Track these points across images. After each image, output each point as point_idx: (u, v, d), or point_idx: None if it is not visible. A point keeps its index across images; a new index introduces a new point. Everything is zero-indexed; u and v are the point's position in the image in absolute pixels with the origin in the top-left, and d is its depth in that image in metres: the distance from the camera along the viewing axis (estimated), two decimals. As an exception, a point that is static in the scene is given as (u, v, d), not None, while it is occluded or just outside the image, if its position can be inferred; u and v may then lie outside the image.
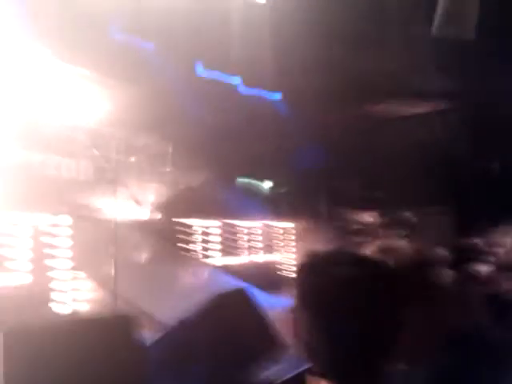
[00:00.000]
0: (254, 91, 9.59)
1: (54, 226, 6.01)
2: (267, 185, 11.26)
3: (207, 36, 7.66)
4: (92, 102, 7.42)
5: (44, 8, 6.18)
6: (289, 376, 3.56)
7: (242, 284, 6.50)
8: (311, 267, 1.03)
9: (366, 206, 9.15)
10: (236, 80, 9.91)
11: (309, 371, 1.01)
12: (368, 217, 9.02)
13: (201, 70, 8.88)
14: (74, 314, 5.86)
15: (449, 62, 8.82)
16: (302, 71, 9.02)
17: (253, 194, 9.99)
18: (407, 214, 8.36)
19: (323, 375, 0.99)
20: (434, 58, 8.73)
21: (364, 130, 10.04)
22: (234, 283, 6.86)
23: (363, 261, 1.02)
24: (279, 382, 3.43)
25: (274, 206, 10.01)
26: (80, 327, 2.82)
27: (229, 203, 8.68)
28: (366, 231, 8.56)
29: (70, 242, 6.04)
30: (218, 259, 7.89)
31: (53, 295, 5.79)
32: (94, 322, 3.02)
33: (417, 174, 8.77)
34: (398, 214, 8.47)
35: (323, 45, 8.85)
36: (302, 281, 1.03)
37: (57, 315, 5.61)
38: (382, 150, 9.60)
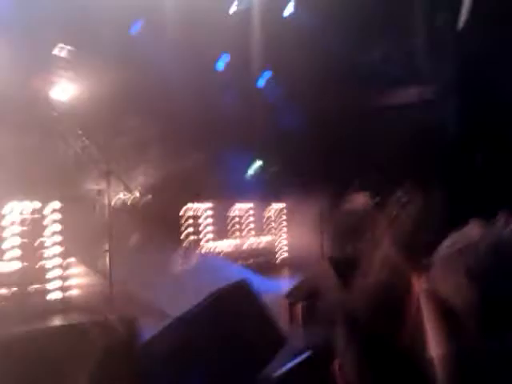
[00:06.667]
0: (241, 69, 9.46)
1: (45, 211, 5.92)
2: (257, 164, 11.16)
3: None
4: (81, 86, 7.28)
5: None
6: (289, 366, 3.54)
7: (237, 269, 6.49)
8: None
9: (357, 187, 9.12)
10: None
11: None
12: (359, 197, 9.00)
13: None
14: (67, 301, 5.82)
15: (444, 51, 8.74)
16: (299, 52, 8.91)
17: (244, 174, 9.92)
18: (398, 196, 8.33)
19: None
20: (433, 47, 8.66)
21: (356, 115, 9.97)
22: (229, 267, 6.84)
23: None
24: (281, 373, 3.41)
25: (265, 186, 9.94)
26: (67, 335, 2.74)
27: (220, 184, 8.60)
28: (357, 212, 8.55)
29: (61, 228, 5.96)
30: (212, 243, 7.84)
31: (46, 282, 5.74)
32: (84, 330, 2.92)
33: (408, 158, 8.74)
34: (387, 196, 8.44)
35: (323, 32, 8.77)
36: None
37: (48, 305, 5.57)
38: (374, 136, 9.54)
